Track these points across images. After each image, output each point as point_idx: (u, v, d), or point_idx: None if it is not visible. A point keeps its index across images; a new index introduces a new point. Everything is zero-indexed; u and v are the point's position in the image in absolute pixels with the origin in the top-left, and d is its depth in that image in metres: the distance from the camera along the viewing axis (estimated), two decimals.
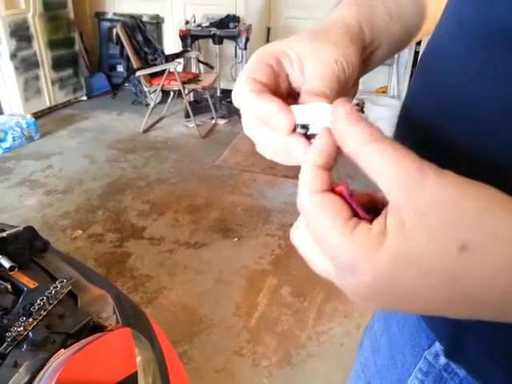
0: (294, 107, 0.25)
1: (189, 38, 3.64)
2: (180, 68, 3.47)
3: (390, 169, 0.20)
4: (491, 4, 0.25)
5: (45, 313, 0.64)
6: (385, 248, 0.20)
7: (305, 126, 0.25)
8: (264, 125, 0.27)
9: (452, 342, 0.32)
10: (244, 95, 0.26)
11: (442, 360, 0.34)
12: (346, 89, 0.29)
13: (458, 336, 0.25)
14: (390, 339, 0.43)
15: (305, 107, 0.25)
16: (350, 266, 0.21)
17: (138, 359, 0.60)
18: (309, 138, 0.25)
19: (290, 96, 0.29)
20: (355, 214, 0.22)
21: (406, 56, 3.58)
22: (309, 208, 0.23)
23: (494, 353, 0.28)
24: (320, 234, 0.22)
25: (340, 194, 0.23)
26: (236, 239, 2.15)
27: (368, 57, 0.33)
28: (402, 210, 0.20)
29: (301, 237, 0.25)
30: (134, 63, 3.38)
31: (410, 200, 0.20)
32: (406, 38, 0.36)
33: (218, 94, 3.90)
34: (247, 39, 3.59)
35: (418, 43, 3.45)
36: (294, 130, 0.25)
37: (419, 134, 0.30)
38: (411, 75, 3.69)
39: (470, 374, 0.32)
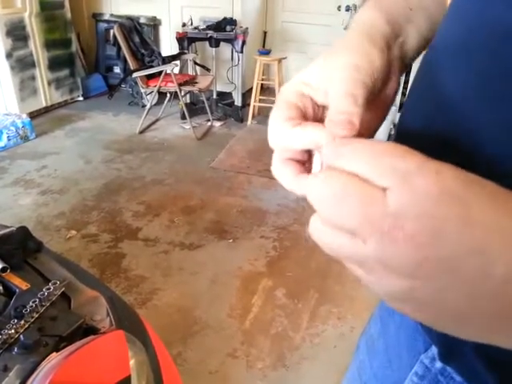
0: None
1: (186, 40, 3.64)
2: (177, 70, 3.48)
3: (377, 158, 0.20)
4: (490, 1, 0.25)
5: (37, 315, 0.64)
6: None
7: None
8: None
9: (447, 346, 0.32)
10: (289, 132, 0.27)
11: (439, 364, 0.34)
12: (375, 91, 0.29)
13: (454, 340, 0.25)
14: (387, 342, 0.43)
15: None
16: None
17: (132, 362, 0.60)
18: None
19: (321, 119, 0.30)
20: None
21: None
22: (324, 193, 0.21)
23: (488, 358, 0.28)
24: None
25: None
26: (231, 241, 2.15)
27: (399, 52, 0.33)
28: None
29: (317, 226, 0.23)
30: (131, 64, 3.38)
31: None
32: (433, 28, 0.36)
33: (215, 96, 3.91)
34: (244, 42, 3.60)
35: None
36: None
37: (419, 133, 0.30)
38: (405, 81, 3.71)
39: (465, 378, 0.32)
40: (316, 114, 0.29)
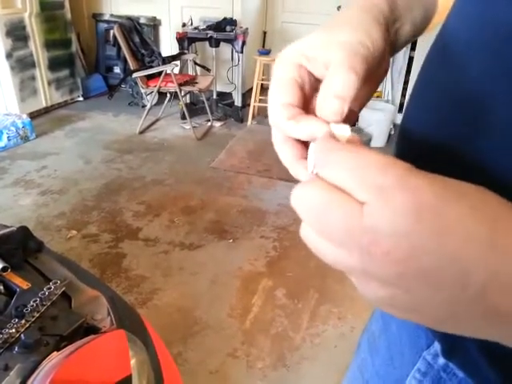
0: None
1: (186, 40, 3.64)
2: (177, 70, 3.48)
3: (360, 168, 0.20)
4: (492, 2, 0.25)
5: (38, 314, 0.64)
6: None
7: None
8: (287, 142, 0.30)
9: (450, 342, 0.32)
10: (283, 123, 0.28)
11: (441, 360, 0.34)
12: (373, 69, 0.29)
13: (456, 336, 0.25)
14: (389, 339, 0.43)
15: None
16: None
17: (133, 362, 0.60)
18: None
19: (317, 90, 0.30)
20: None
21: (401, 61, 3.61)
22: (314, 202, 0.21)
23: (491, 354, 0.28)
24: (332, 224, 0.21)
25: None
26: (231, 241, 2.15)
27: (393, 36, 0.33)
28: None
29: (307, 233, 0.23)
30: (131, 65, 3.38)
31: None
32: (424, 19, 0.36)
33: (215, 96, 3.91)
34: (244, 42, 3.60)
35: (413, 48, 3.47)
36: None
37: (425, 131, 0.30)
38: (405, 81, 3.72)
39: (468, 374, 0.32)
40: (311, 86, 0.29)
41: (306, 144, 0.29)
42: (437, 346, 0.35)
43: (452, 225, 0.18)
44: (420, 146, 0.31)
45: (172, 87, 3.33)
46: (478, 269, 0.18)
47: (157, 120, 3.75)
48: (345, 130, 0.25)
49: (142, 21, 3.95)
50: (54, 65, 3.74)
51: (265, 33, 4.47)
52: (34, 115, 3.52)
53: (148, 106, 3.48)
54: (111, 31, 3.76)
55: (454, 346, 0.32)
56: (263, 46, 4.39)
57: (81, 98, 4.14)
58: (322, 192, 0.21)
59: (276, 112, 0.28)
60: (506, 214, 0.19)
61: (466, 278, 0.18)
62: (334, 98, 0.26)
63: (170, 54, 3.69)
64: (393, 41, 0.33)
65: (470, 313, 0.20)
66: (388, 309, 0.22)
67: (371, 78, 0.30)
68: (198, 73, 3.91)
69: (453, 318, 0.21)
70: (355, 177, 0.20)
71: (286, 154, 0.29)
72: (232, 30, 3.61)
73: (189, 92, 3.68)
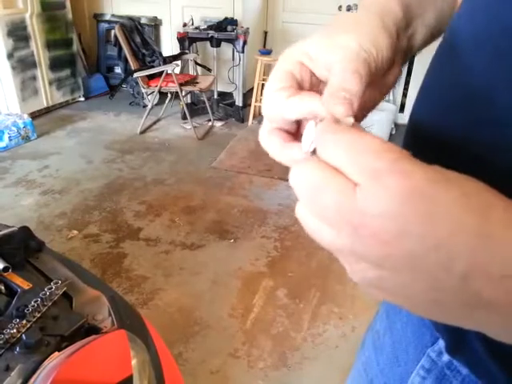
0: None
1: (187, 40, 3.64)
2: (178, 70, 3.47)
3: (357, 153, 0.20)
4: (500, 2, 0.26)
5: (39, 314, 0.64)
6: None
7: None
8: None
9: (455, 338, 0.32)
10: (283, 103, 0.27)
11: (445, 357, 0.34)
12: (377, 77, 0.29)
13: (461, 332, 0.25)
14: (394, 338, 0.44)
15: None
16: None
17: (134, 362, 0.60)
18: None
19: (317, 90, 0.30)
20: None
21: None
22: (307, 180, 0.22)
23: (496, 351, 0.28)
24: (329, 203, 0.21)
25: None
26: (232, 241, 2.15)
27: (406, 42, 0.33)
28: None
29: (302, 212, 0.24)
30: (132, 65, 3.38)
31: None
32: (439, 23, 0.36)
33: (215, 96, 3.91)
34: (245, 42, 3.60)
35: None
36: None
37: (430, 125, 0.31)
38: (406, 81, 3.71)
39: (472, 371, 0.32)
40: (312, 87, 0.29)
41: (292, 134, 0.28)
42: (441, 344, 0.35)
43: (441, 210, 0.18)
44: (425, 139, 0.31)
45: (173, 87, 3.33)
46: (463, 256, 0.18)
47: (158, 120, 3.75)
48: (348, 120, 0.25)
49: (143, 21, 3.95)
50: (55, 65, 3.75)
51: (266, 33, 4.47)
52: (35, 115, 3.53)
53: (149, 106, 3.48)
54: (112, 31, 3.77)
55: (458, 343, 0.32)
56: (264, 46, 4.39)
57: (82, 98, 4.15)
58: (318, 172, 0.21)
59: (273, 96, 0.28)
60: (499, 205, 0.19)
61: (451, 265, 0.18)
62: (341, 93, 0.25)
63: (170, 54, 3.69)
64: (405, 48, 0.32)
65: (454, 299, 0.20)
66: (375, 291, 0.22)
67: (375, 85, 0.29)
68: (199, 73, 3.91)
69: (437, 304, 0.21)
70: (352, 159, 0.20)
71: (274, 142, 0.28)
72: (233, 30, 3.61)
73: (190, 92, 3.68)
